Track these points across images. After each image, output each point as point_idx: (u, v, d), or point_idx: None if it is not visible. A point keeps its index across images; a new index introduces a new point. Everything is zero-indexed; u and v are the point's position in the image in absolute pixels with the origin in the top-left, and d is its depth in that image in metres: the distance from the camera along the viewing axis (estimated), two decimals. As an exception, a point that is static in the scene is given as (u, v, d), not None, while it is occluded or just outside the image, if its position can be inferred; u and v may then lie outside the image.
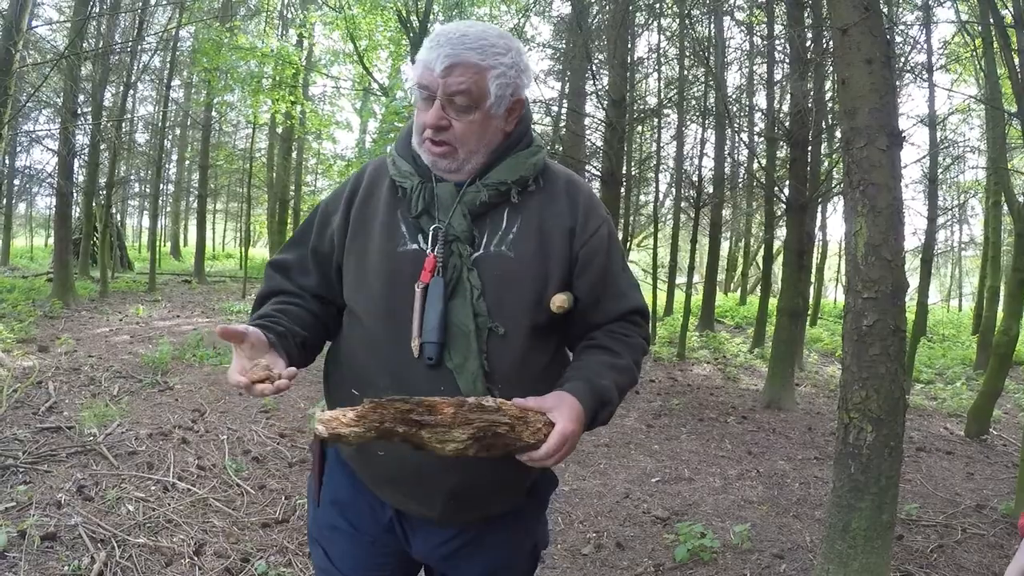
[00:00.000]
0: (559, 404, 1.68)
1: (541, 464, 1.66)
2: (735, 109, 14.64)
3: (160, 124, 21.73)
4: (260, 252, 38.44)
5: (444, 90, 1.68)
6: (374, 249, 1.81)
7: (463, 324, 1.73)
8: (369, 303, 1.80)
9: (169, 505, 4.54)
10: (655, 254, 15.04)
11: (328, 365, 1.98)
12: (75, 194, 16.42)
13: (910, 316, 6.21)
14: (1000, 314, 9.74)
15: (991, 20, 7.98)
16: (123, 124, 19.20)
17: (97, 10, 14.70)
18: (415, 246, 1.78)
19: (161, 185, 25.48)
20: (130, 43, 16.63)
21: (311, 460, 2.07)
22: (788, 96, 12.15)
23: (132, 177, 27.35)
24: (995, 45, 8.36)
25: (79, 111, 15.15)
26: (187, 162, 33.59)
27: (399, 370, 1.75)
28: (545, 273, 1.81)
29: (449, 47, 1.67)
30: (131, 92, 19.76)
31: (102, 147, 16.84)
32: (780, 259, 13.56)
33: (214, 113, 25.29)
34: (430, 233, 1.77)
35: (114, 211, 23.13)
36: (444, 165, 1.77)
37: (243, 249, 24.44)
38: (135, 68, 18.20)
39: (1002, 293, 12.69)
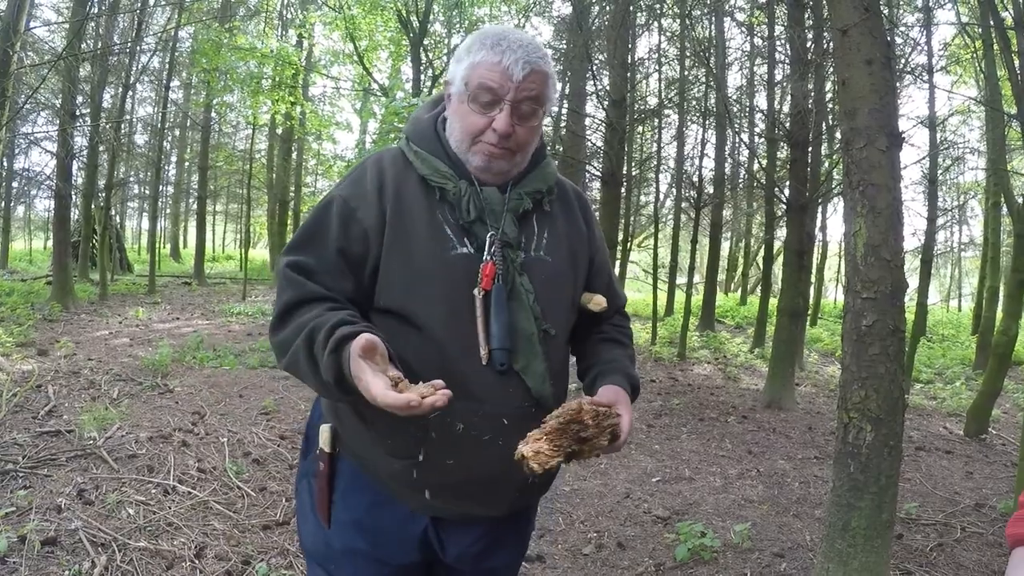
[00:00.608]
0: (618, 397, 1.80)
1: (616, 451, 1.75)
2: (735, 110, 14.66)
3: (159, 125, 21.76)
4: (260, 253, 38.43)
5: (516, 95, 1.71)
6: (421, 251, 1.74)
7: (525, 328, 1.77)
8: (430, 309, 1.71)
9: (169, 508, 4.54)
10: (655, 254, 15.08)
11: None
12: (74, 196, 16.45)
13: (909, 316, 6.21)
14: (999, 314, 9.75)
15: (991, 22, 7.99)
16: (122, 125, 19.18)
17: (95, 11, 14.71)
18: (465, 250, 1.77)
19: (160, 187, 25.48)
20: (129, 44, 16.63)
21: (306, 473, 2.01)
22: (788, 97, 12.17)
23: (131, 179, 27.34)
24: (995, 47, 8.38)
25: (78, 112, 15.14)
26: (186, 163, 33.63)
27: (465, 377, 1.71)
28: (575, 276, 1.94)
29: (523, 53, 1.70)
30: (130, 93, 19.78)
31: (101, 149, 16.83)
32: (780, 259, 13.57)
33: (213, 114, 25.29)
34: (487, 239, 1.77)
35: (113, 213, 23.14)
36: (498, 167, 1.80)
37: (243, 251, 24.46)
38: (134, 69, 18.19)
39: (1001, 294, 12.71)
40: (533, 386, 1.77)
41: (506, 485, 1.82)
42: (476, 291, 1.73)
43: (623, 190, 14.21)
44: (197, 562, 3.90)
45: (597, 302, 1.99)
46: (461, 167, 1.81)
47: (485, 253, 1.76)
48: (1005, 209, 11.31)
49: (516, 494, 1.88)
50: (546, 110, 1.80)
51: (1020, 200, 7.89)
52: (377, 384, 1.42)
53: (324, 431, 1.89)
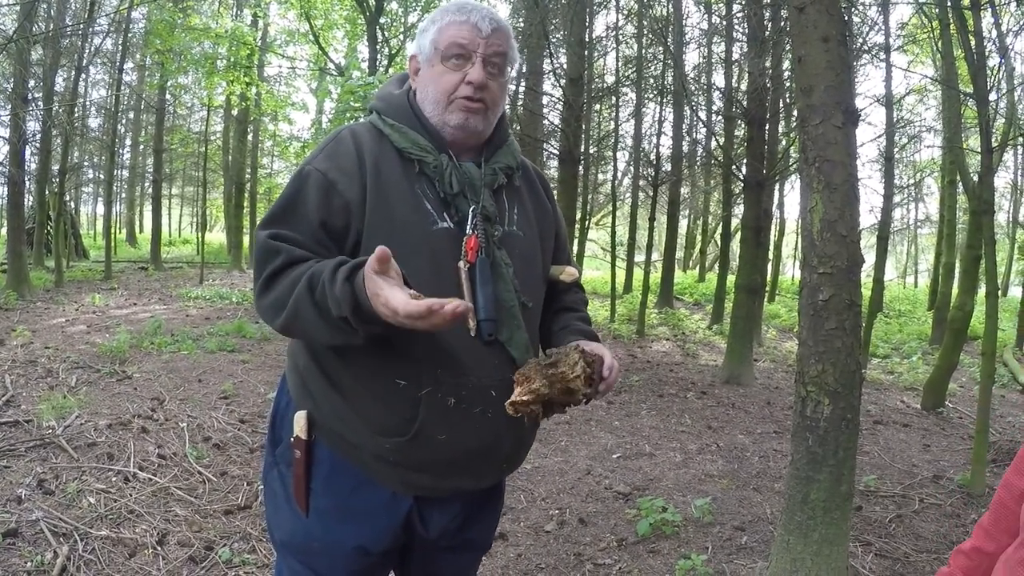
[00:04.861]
0: (579, 342, 1.84)
1: (610, 387, 1.78)
2: (693, 88, 14.68)
3: (113, 108, 21.36)
4: (217, 237, 38.01)
5: (485, 50, 1.78)
6: (403, 225, 1.75)
7: (507, 300, 1.82)
8: (416, 283, 1.61)
9: (131, 496, 4.49)
10: (613, 232, 15.14)
11: (326, 356, 1.82)
12: (27, 182, 16.10)
13: (867, 292, 6.29)
14: (955, 290, 9.90)
15: (948, 2, 8.05)
16: (75, 109, 18.81)
17: (46, -8, 14.40)
18: (445, 224, 1.79)
19: (115, 171, 25.01)
20: (81, 25, 16.28)
21: (276, 463, 1.96)
22: (746, 75, 12.22)
23: (85, 163, 26.87)
24: (952, 27, 8.45)
25: (30, 96, 14.80)
26: (141, 146, 33.21)
27: (453, 350, 1.74)
28: (544, 250, 2.02)
29: (487, 12, 1.80)
30: (83, 76, 19.38)
31: (54, 133, 16.48)
32: (738, 236, 13.69)
33: (168, 96, 24.93)
34: (469, 213, 1.80)
35: (68, 198, 22.72)
36: (474, 125, 1.83)
37: (199, 234, 24.17)
38: (87, 51, 17.73)
39: (957, 270, 12.90)
40: (517, 356, 1.80)
41: (495, 456, 1.87)
42: (461, 264, 1.76)
43: (580, 168, 14.26)
44: (160, 549, 3.86)
45: (569, 273, 2.08)
46: (438, 140, 1.84)
47: (468, 227, 1.79)
48: (961, 187, 11.46)
49: (504, 464, 1.93)
50: (512, 69, 1.88)
51: (975, 178, 7.99)
52: (397, 295, 1.43)
53: (300, 417, 1.85)
